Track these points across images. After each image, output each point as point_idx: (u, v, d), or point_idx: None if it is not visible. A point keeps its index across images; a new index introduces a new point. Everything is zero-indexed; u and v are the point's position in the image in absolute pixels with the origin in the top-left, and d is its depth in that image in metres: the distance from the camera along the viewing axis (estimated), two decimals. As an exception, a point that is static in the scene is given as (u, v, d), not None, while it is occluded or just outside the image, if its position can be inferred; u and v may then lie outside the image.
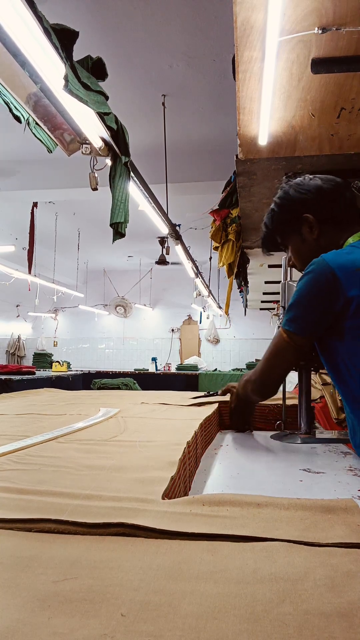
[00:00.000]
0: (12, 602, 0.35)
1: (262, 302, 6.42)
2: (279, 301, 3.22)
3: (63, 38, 1.43)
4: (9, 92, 1.60)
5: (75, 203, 6.27)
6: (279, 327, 1.14)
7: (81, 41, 1.50)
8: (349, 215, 1.14)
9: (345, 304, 0.98)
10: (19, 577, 0.39)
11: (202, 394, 1.83)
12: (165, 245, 6.31)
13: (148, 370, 8.08)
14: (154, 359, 8.43)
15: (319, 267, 1.02)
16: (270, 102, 1.61)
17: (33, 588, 0.37)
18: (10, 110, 1.70)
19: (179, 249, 4.46)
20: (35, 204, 5.93)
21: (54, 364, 7.59)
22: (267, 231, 1.26)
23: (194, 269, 5.58)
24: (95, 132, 1.90)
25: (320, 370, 2.38)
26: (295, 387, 2.04)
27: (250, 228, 3.05)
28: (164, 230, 3.82)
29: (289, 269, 1.54)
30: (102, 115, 1.80)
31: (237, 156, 2.01)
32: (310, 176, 1.19)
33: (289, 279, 1.54)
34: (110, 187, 2.12)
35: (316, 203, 1.14)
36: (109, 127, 1.89)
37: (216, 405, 1.43)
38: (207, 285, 6.88)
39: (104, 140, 1.97)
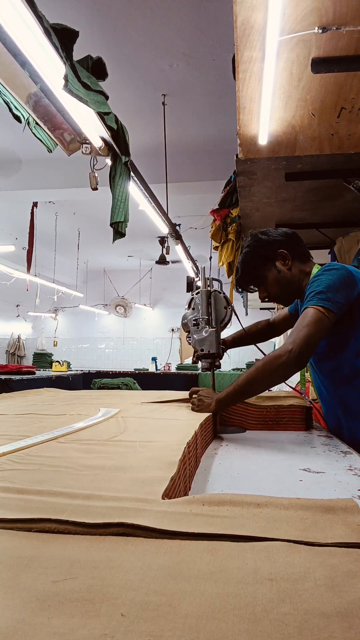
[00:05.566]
0: (12, 602, 0.35)
1: (263, 302, 6.41)
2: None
3: (63, 38, 1.43)
4: (9, 92, 1.60)
5: (75, 203, 6.26)
6: (306, 307, 1.27)
7: (81, 41, 1.50)
8: (306, 253, 1.51)
9: (358, 295, 1.30)
10: (19, 577, 0.39)
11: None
12: (165, 245, 6.32)
13: (148, 370, 8.07)
14: (154, 359, 8.42)
15: (339, 266, 1.33)
16: (270, 102, 1.61)
17: (33, 588, 0.37)
18: (10, 110, 1.70)
19: (179, 248, 4.46)
20: (35, 204, 5.93)
21: (54, 363, 7.58)
22: (244, 268, 1.52)
23: (194, 268, 5.58)
24: (95, 131, 1.90)
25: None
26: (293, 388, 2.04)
27: (250, 228, 3.05)
28: (164, 230, 3.82)
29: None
30: (102, 115, 1.79)
31: (237, 156, 2.01)
32: (270, 229, 1.55)
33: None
34: (110, 187, 2.12)
35: (287, 241, 1.49)
36: (109, 127, 1.88)
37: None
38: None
39: (104, 140, 1.97)
